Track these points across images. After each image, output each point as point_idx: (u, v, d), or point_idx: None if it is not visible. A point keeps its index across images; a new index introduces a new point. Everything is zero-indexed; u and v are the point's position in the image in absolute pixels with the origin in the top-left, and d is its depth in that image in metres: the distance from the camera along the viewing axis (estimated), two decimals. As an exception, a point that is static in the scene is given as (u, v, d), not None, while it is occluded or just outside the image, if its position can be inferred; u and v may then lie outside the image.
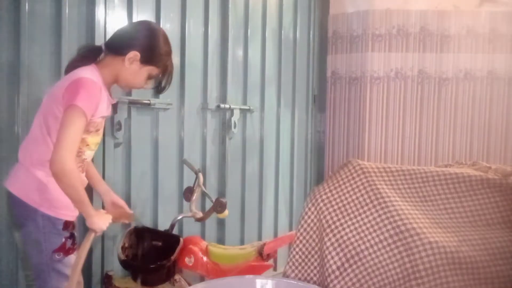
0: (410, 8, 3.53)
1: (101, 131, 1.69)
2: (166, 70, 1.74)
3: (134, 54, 1.64)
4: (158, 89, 1.80)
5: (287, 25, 3.50)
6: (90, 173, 1.81)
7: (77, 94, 1.49)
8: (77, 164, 1.60)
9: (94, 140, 1.66)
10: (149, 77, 1.73)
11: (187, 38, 2.57)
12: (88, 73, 1.59)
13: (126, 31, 1.76)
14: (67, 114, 1.50)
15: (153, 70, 1.70)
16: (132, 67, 1.66)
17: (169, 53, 1.74)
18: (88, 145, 1.64)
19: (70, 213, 1.62)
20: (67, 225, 1.62)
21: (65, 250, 1.61)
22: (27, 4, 1.83)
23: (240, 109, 2.97)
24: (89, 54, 1.68)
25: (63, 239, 1.60)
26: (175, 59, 2.52)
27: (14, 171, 1.61)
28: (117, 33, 1.75)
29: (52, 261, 1.58)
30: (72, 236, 1.64)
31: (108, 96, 1.67)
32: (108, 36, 2.10)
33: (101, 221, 1.58)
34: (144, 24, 1.86)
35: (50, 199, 1.57)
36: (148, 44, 1.68)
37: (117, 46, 1.68)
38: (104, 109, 1.64)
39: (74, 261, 1.57)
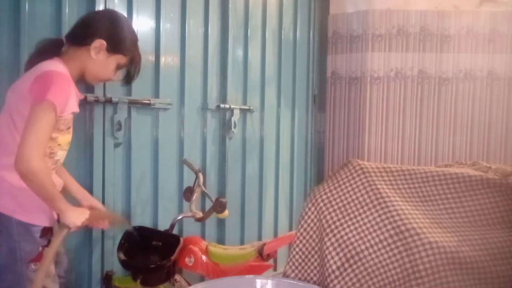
0: (410, 8, 3.53)
1: (71, 130, 1.59)
2: (134, 59, 1.66)
3: (100, 43, 1.55)
4: (127, 79, 1.71)
5: (287, 25, 3.50)
6: (64, 178, 1.69)
7: (47, 88, 1.39)
8: (50, 165, 1.53)
9: (66, 139, 1.56)
10: (118, 67, 1.64)
11: (187, 38, 2.57)
12: (55, 66, 1.49)
13: (88, 19, 1.63)
14: (34, 109, 1.39)
15: (121, 58, 1.62)
16: (99, 57, 1.56)
17: (135, 41, 1.66)
18: (60, 144, 1.54)
19: (46, 218, 1.51)
20: (45, 232, 1.50)
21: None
22: (27, 4, 1.83)
23: (240, 109, 2.97)
24: (50, 48, 1.58)
25: (40, 248, 1.48)
26: (175, 59, 2.53)
27: None
28: (78, 22, 1.63)
29: (27, 271, 1.47)
30: (49, 244, 1.50)
31: (77, 91, 1.57)
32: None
33: (74, 217, 1.46)
34: (107, 11, 1.80)
35: (24, 204, 1.46)
36: (114, 32, 1.58)
37: (80, 36, 1.57)
38: (74, 105, 1.54)
39: (42, 258, 1.43)
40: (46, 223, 1.51)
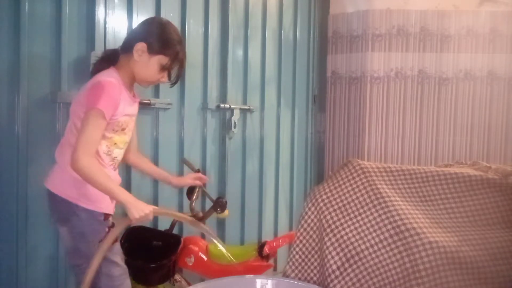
0: (410, 8, 3.53)
1: (128, 130, 1.74)
2: (176, 58, 1.72)
3: (141, 45, 1.66)
4: (170, 80, 1.80)
5: (287, 25, 3.50)
6: (147, 168, 1.99)
7: (96, 97, 1.55)
8: (108, 162, 1.69)
9: (122, 139, 1.73)
10: (162, 68, 1.71)
11: (187, 38, 2.57)
12: (106, 75, 1.65)
13: (133, 28, 1.82)
14: (87, 115, 1.56)
15: (162, 59, 1.69)
16: (141, 59, 1.68)
17: (178, 41, 1.73)
18: (115, 143, 1.70)
19: (105, 207, 1.68)
20: (107, 216, 1.69)
21: None
22: (27, 4, 1.83)
23: (240, 109, 2.97)
24: (107, 58, 1.74)
25: (106, 229, 1.68)
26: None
27: (52, 172, 1.68)
28: (128, 33, 1.83)
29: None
30: (114, 225, 1.69)
31: (130, 95, 1.72)
32: (108, 36, 2.11)
33: (133, 210, 1.54)
34: (150, 18, 1.90)
35: (87, 194, 1.63)
36: (153, 34, 1.69)
37: (127, 43, 1.72)
38: (127, 108, 1.69)
39: (100, 245, 1.59)
40: (105, 211, 1.68)
